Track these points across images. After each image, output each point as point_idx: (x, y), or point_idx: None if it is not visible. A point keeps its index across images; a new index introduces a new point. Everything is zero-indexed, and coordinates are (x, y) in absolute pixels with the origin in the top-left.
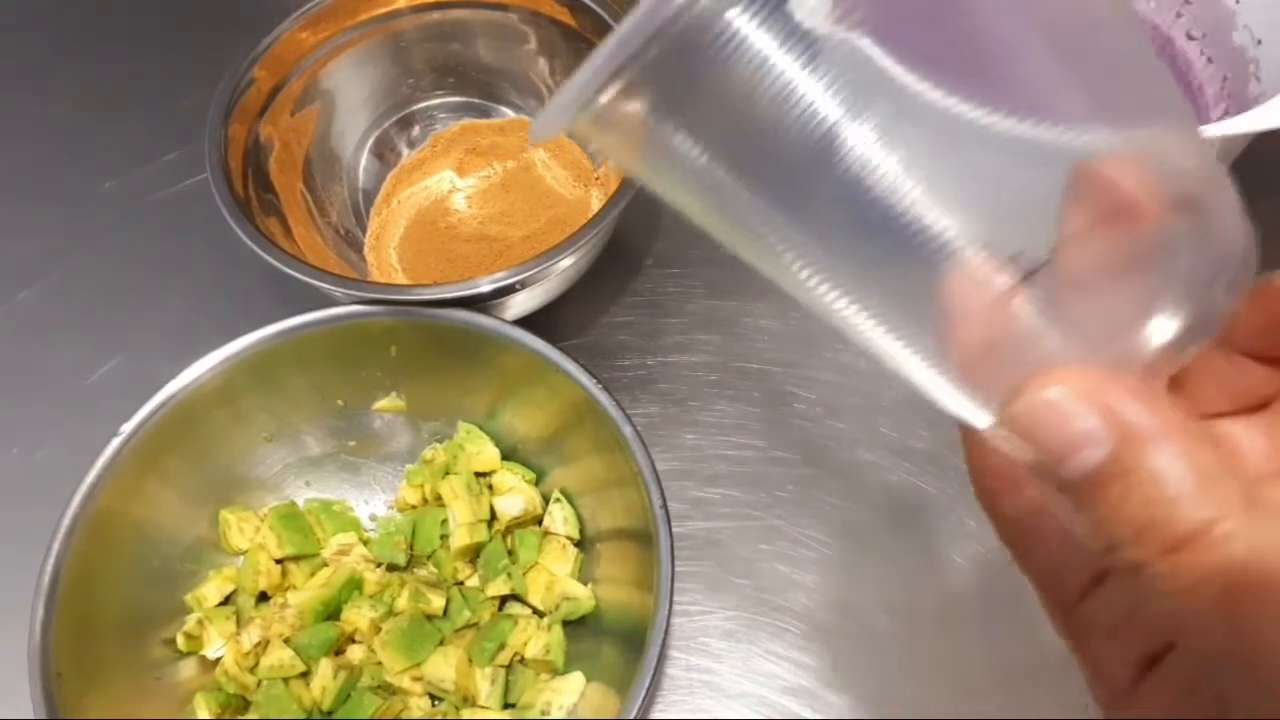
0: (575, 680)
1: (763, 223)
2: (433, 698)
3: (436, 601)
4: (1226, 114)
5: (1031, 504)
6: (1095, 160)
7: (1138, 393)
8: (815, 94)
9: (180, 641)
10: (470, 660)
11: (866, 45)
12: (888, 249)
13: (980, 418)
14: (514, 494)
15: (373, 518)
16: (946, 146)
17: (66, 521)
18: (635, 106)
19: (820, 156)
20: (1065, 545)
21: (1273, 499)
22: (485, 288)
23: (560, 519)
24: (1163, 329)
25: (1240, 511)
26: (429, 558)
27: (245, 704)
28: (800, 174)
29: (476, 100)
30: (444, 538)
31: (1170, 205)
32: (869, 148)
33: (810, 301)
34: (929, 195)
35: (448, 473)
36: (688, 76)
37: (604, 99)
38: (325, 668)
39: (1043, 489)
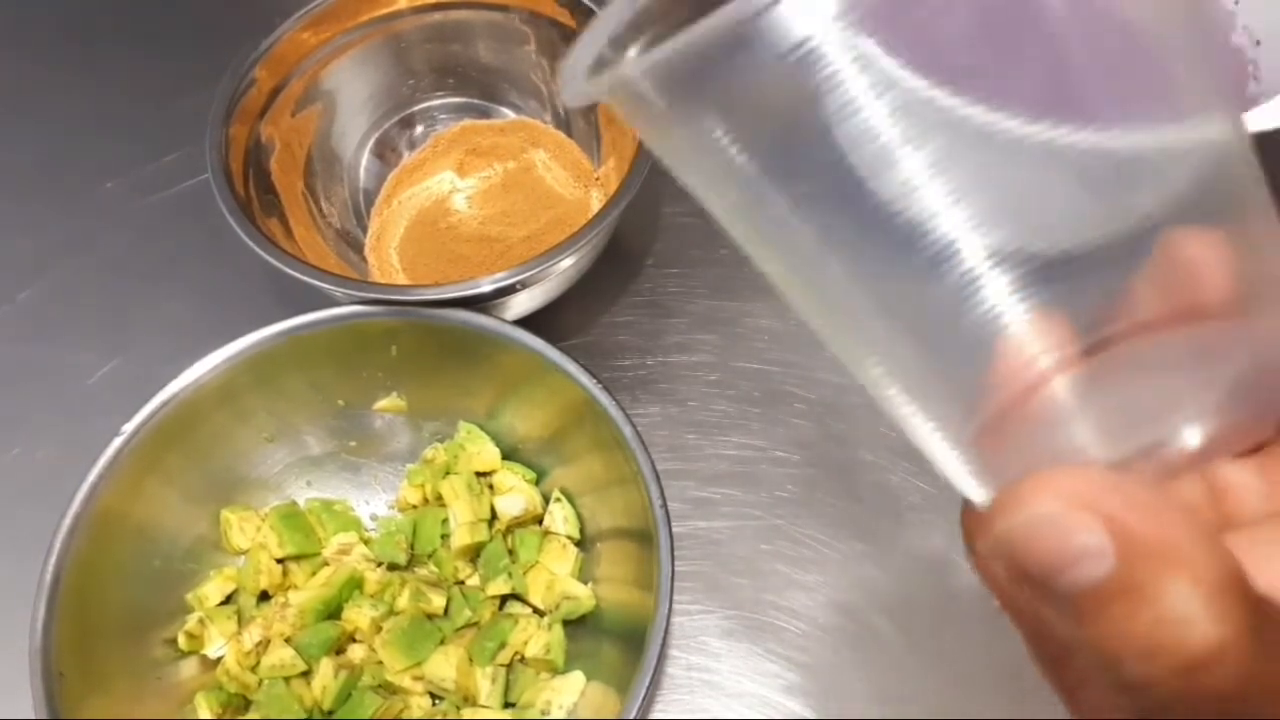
0: (575, 679)
1: (776, 229)
2: (433, 697)
3: (437, 601)
4: None
5: None
6: (1178, 237)
7: (1143, 502)
8: (876, 115)
9: (181, 641)
10: (471, 659)
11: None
12: (927, 291)
13: (977, 493)
14: (514, 494)
15: (373, 517)
16: (967, 160)
17: (68, 521)
18: (673, 86)
19: (870, 178)
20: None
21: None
22: (486, 288)
23: (560, 518)
24: (1197, 431)
25: (1249, 631)
26: (429, 557)
27: (246, 703)
28: (842, 192)
29: (477, 101)
30: (444, 537)
31: (1243, 302)
32: (922, 178)
33: (821, 331)
34: (984, 232)
35: (448, 472)
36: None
37: (636, 71)
38: (326, 667)
39: (1035, 601)
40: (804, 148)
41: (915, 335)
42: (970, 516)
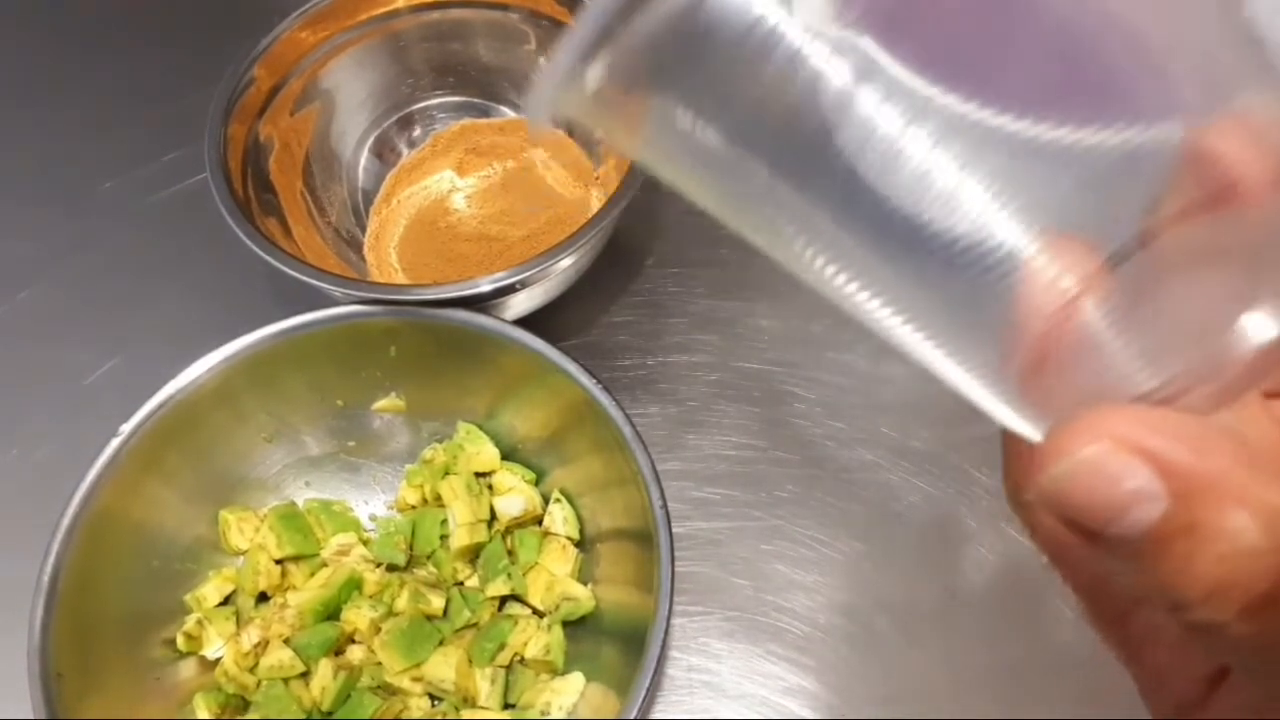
0: (575, 680)
1: (787, 218)
2: (432, 698)
3: (436, 602)
4: None
5: None
6: (1197, 132)
7: (1191, 435)
8: (832, 73)
9: (180, 641)
10: (470, 660)
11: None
12: (935, 249)
13: (1037, 435)
14: (514, 494)
15: (372, 518)
16: (987, 140)
17: (66, 521)
18: (630, 84)
19: (843, 141)
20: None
21: None
22: (485, 287)
23: (560, 519)
24: (1261, 328)
25: None
26: (429, 558)
27: (245, 704)
28: (830, 161)
29: (476, 100)
30: (444, 538)
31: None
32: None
33: (841, 301)
34: (974, 187)
35: (447, 473)
36: (697, 49)
37: (592, 76)
38: (325, 668)
39: (1093, 552)
40: (786, 128)
41: (935, 287)
42: (1017, 470)
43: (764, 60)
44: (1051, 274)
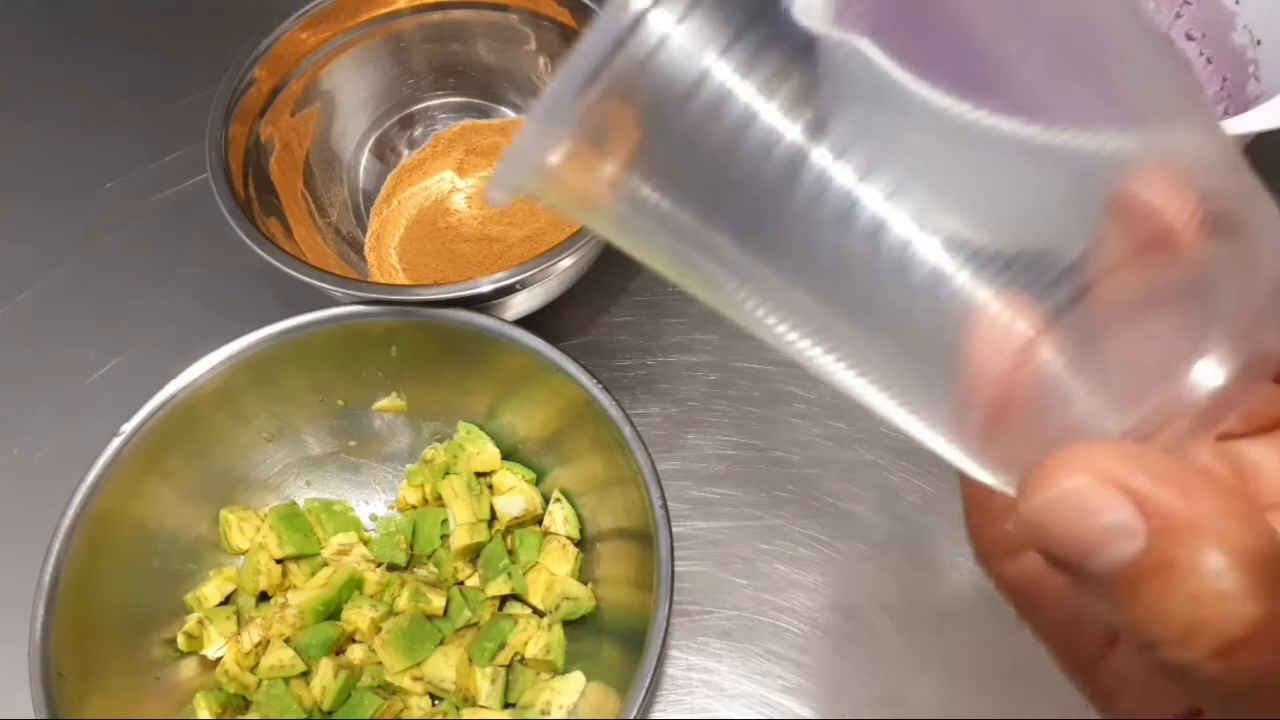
0: (575, 680)
1: (738, 275)
2: (433, 697)
3: (437, 601)
4: (1226, 114)
5: (1037, 567)
6: (1124, 179)
7: (1170, 473)
8: (782, 117)
9: (181, 641)
10: (470, 660)
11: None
12: (889, 290)
13: (1006, 486)
14: (514, 494)
15: (373, 517)
16: (954, 159)
17: (67, 521)
18: (597, 160)
19: (801, 184)
20: (1078, 601)
21: None
22: (486, 288)
23: (560, 519)
24: (1209, 375)
25: None
26: (429, 557)
27: (245, 704)
28: (777, 210)
29: (477, 100)
30: (444, 537)
31: (1209, 228)
32: (866, 166)
33: (797, 356)
34: (933, 215)
35: (448, 472)
36: (649, 110)
37: (555, 157)
38: (325, 667)
39: (1067, 582)
40: (741, 176)
41: (891, 342)
42: (977, 516)
43: (714, 117)
44: (1003, 322)
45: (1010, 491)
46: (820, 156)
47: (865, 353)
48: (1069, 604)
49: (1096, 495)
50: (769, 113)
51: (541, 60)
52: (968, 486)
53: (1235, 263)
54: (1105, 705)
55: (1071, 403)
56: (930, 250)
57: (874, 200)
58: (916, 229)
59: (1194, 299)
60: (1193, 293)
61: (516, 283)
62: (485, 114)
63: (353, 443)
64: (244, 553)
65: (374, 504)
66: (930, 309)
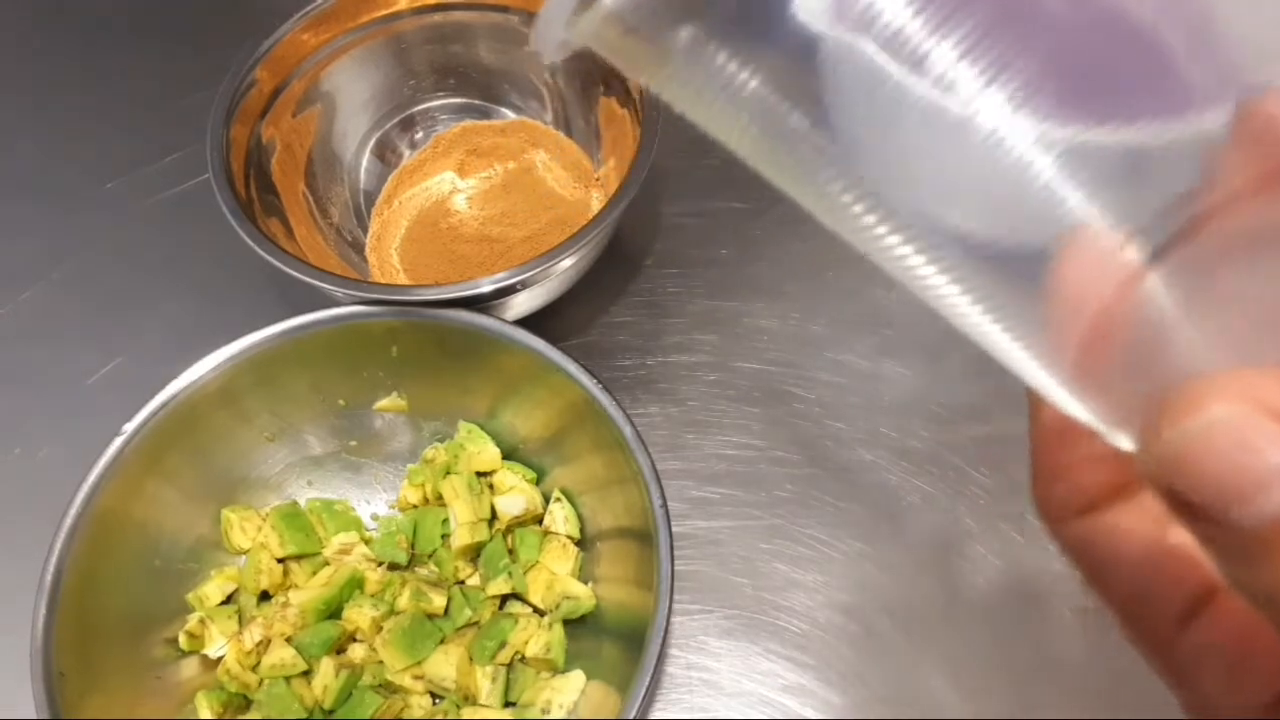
0: (576, 679)
1: (826, 162)
2: (434, 696)
3: (437, 600)
4: None
5: (1112, 527)
6: (1251, 102)
7: None
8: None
9: (182, 641)
10: (471, 659)
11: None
12: (984, 179)
13: (1113, 434)
14: (515, 493)
15: (374, 517)
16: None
17: (68, 521)
18: (648, 13)
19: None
20: (1155, 567)
21: None
22: (486, 288)
23: (561, 518)
24: None
25: None
26: (430, 557)
27: (247, 703)
28: (876, 110)
29: (477, 102)
30: (445, 537)
31: None
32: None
33: (876, 254)
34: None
35: (449, 472)
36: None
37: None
38: (327, 666)
39: (1192, 531)
40: (819, 68)
41: (984, 254)
42: (1044, 464)
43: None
44: (1107, 248)
45: (1103, 430)
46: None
47: (952, 251)
48: (1146, 569)
49: (1257, 429)
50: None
51: (542, 61)
52: (1037, 436)
53: None
54: (1181, 684)
55: (1180, 337)
56: (1035, 151)
57: (982, 125)
58: (1027, 131)
59: None
60: None
61: (517, 283)
62: (486, 115)
63: (354, 442)
64: (245, 552)
65: (375, 503)
66: (1031, 211)
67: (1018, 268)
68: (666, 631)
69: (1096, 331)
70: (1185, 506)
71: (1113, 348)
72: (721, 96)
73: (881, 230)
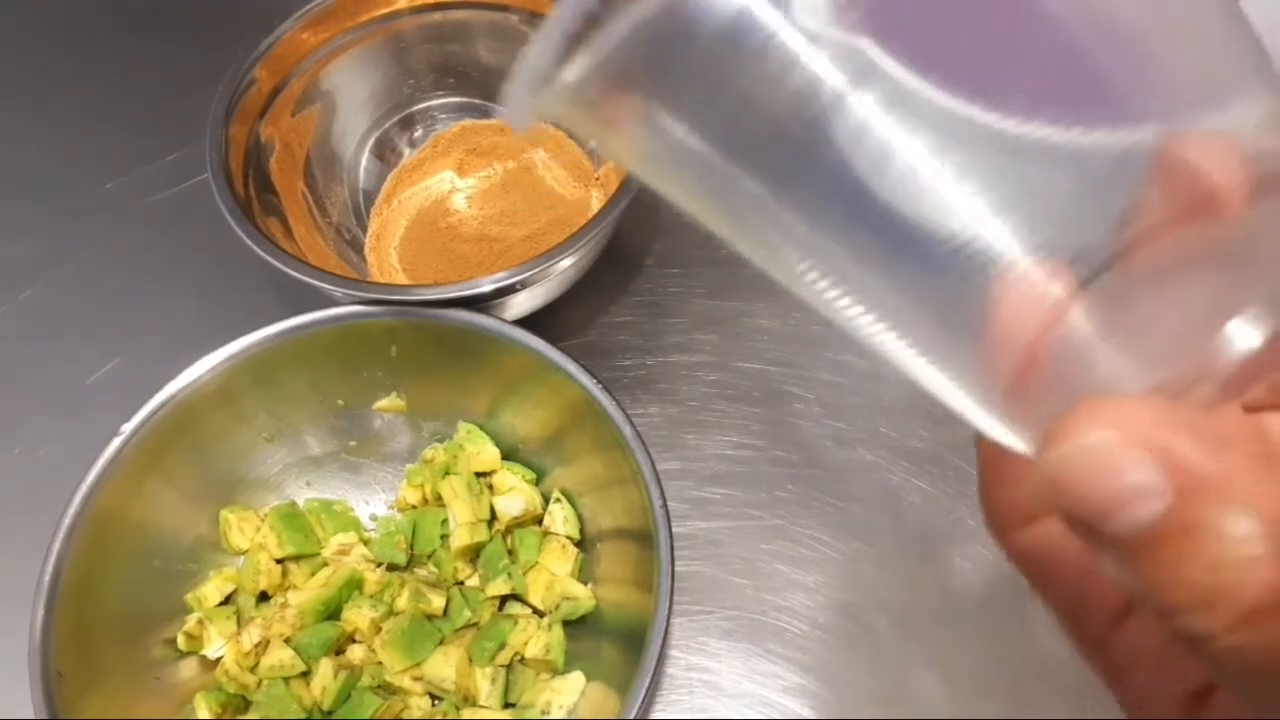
0: (575, 680)
1: (773, 225)
2: (433, 697)
3: (437, 601)
4: None
5: (1050, 538)
6: (1172, 142)
7: (1200, 431)
8: (822, 72)
9: (180, 641)
10: (470, 660)
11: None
12: (917, 254)
13: (1025, 447)
14: (514, 494)
15: (373, 517)
16: (980, 141)
17: (67, 521)
18: (613, 82)
19: (833, 144)
20: (1089, 574)
21: None
22: (486, 288)
23: (560, 519)
24: (1245, 336)
25: None
26: (429, 557)
27: (245, 704)
28: (811, 164)
29: (477, 101)
30: (444, 537)
31: (1256, 190)
32: (891, 133)
33: (827, 309)
34: (963, 191)
35: (448, 472)
36: (677, 48)
37: (570, 74)
38: (325, 667)
39: (1085, 545)
40: (772, 127)
41: (920, 294)
42: (991, 483)
43: (751, 58)
44: (1036, 282)
45: (1031, 453)
46: (861, 98)
47: (894, 303)
48: (1081, 576)
49: (1120, 451)
50: (808, 54)
51: (517, 56)
52: (983, 452)
53: (1277, 227)
54: (1115, 682)
55: (1099, 361)
56: (972, 195)
57: (911, 151)
58: (951, 183)
59: (1234, 262)
60: (1234, 255)
61: (517, 283)
62: (485, 114)
63: (353, 443)
64: (244, 553)
65: (374, 504)
66: (968, 253)
67: (953, 303)
68: (666, 632)
69: (1027, 362)
70: (1073, 521)
71: (1041, 377)
72: (683, 168)
73: (820, 283)
